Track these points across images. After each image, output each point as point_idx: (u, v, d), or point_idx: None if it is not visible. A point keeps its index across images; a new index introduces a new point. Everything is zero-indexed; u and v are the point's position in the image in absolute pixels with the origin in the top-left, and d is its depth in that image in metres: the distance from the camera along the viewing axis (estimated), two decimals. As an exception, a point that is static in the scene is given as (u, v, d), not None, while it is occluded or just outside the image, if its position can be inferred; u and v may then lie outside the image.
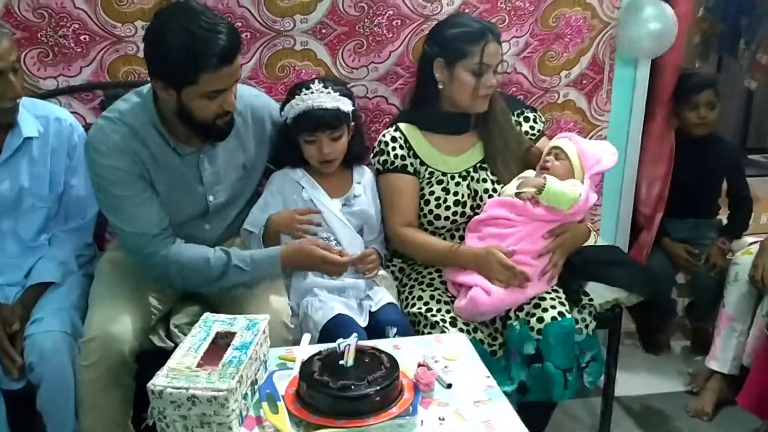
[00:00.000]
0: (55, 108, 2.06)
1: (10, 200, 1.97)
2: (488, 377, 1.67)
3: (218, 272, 1.94)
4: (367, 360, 1.55)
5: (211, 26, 1.75)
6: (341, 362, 1.53)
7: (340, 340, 1.56)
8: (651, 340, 3.03)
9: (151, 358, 2.00)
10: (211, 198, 2.03)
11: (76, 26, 2.25)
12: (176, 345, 2.01)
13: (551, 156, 2.16)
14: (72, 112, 2.25)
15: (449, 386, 1.60)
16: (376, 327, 1.98)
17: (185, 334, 2.02)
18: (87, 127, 2.26)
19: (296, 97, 2.04)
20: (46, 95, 2.27)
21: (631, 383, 2.74)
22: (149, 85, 1.91)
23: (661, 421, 2.60)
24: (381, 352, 1.58)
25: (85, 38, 2.27)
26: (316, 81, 2.07)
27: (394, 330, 1.94)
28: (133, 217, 1.90)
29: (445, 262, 2.16)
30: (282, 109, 2.10)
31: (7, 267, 2.02)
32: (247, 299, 1.96)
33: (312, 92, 2.03)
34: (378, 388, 1.46)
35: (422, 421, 1.49)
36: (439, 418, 1.50)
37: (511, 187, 2.15)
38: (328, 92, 2.03)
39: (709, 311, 2.86)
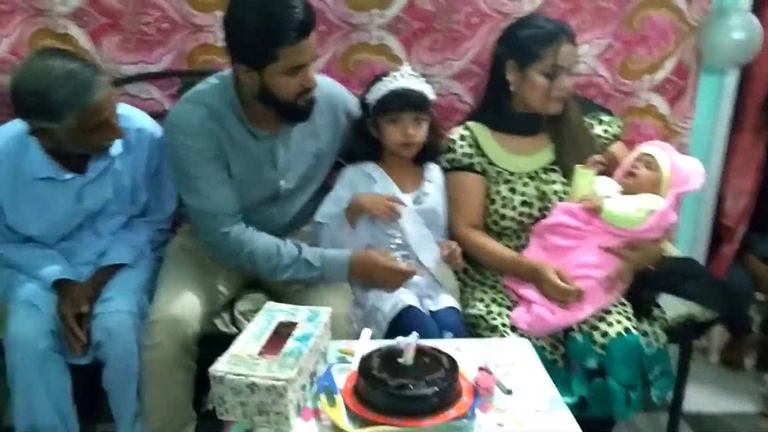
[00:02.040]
0: (136, 117, 2.08)
1: (95, 210, 2.04)
2: (551, 386, 1.63)
3: (287, 263, 1.96)
4: (426, 360, 1.53)
5: (286, 1, 1.79)
6: (400, 360, 1.52)
7: (399, 338, 1.54)
8: (725, 356, 2.91)
9: (215, 342, 2.03)
10: (282, 182, 2.05)
11: (158, 14, 2.30)
12: (240, 331, 2.05)
13: (642, 162, 2.09)
14: (149, 99, 2.32)
15: (509, 392, 1.57)
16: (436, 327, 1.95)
17: (249, 321, 2.05)
18: (164, 113, 2.33)
19: (383, 79, 2.05)
20: (126, 81, 2.33)
21: (699, 400, 2.63)
22: (227, 72, 1.95)
23: (729, 441, 2.50)
24: (441, 353, 1.56)
25: (165, 26, 2.32)
26: (405, 64, 2.09)
27: (451, 335, 1.92)
28: (209, 197, 1.93)
29: (505, 270, 2.13)
30: (364, 97, 2.10)
31: (83, 250, 2.08)
32: (311, 291, 1.97)
33: (401, 74, 2.04)
34: (436, 389, 1.44)
35: (480, 426, 1.46)
36: (498, 424, 1.47)
37: (578, 193, 2.09)
38: (415, 75, 2.05)
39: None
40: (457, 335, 1.91)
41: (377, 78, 2.09)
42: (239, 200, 1.98)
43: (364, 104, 2.11)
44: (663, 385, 2.09)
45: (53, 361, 1.89)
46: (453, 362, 1.53)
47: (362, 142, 2.11)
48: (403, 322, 1.94)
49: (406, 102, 2.02)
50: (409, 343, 1.52)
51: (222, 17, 1.87)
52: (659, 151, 2.11)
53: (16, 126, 1.96)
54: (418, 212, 2.10)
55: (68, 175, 1.97)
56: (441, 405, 1.44)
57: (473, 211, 2.16)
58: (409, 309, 1.97)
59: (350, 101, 2.17)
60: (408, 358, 1.51)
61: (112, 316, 1.91)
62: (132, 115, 2.07)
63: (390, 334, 1.93)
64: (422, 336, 1.60)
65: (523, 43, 2.10)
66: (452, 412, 1.45)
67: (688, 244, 2.81)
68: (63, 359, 1.92)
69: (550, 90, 2.09)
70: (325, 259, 1.98)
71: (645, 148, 2.14)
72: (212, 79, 2.00)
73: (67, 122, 1.81)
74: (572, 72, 2.12)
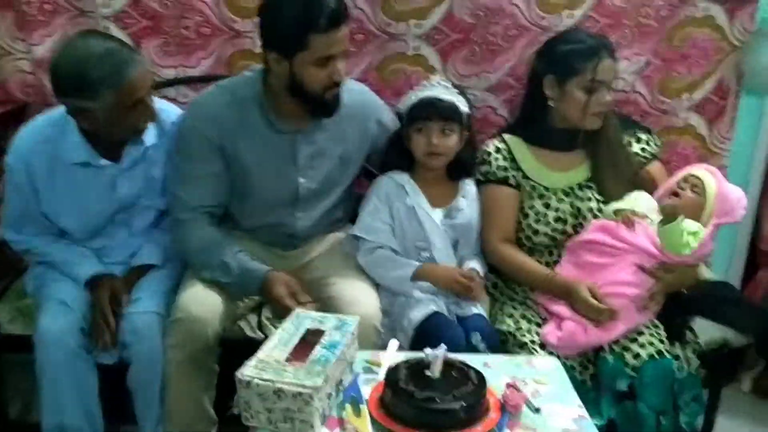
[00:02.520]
0: (171, 110, 2.11)
1: (128, 201, 2.05)
2: (580, 407, 1.60)
3: (214, 263, 1.96)
4: (454, 373, 1.52)
5: None
6: (428, 373, 1.50)
7: (427, 350, 1.52)
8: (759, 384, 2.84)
9: (240, 346, 2.03)
10: (302, 180, 2.05)
11: (199, 18, 2.32)
12: (266, 337, 2.05)
13: (688, 184, 2.05)
14: (187, 102, 2.31)
15: (537, 411, 1.55)
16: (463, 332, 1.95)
17: (276, 328, 2.05)
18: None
19: (414, 89, 2.06)
20: (165, 84, 2.35)
21: (730, 429, 2.56)
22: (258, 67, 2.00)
23: (761, 473, 2.43)
24: (469, 367, 1.54)
25: (206, 31, 2.34)
26: (437, 75, 2.11)
27: (479, 336, 1.91)
28: (187, 185, 1.98)
29: (536, 286, 2.10)
30: (399, 108, 2.11)
31: (115, 249, 2.09)
32: (338, 300, 1.96)
33: (432, 84, 2.05)
34: (464, 403, 1.43)
35: (507, 444, 1.44)
36: (525, 443, 1.45)
37: (611, 210, 2.06)
38: (446, 86, 2.04)
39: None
40: (484, 338, 1.90)
41: (412, 89, 2.10)
42: (216, 200, 2.01)
43: (399, 115, 2.11)
44: (693, 412, 2.04)
45: (82, 360, 1.90)
46: (481, 377, 1.51)
47: (396, 152, 2.10)
48: (430, 328, 1.94)
49: (432, 111, 2.01)
50: (438, 355, 1.50)
51: (259, 4, 1.91)
52: (708, 176, 2.07)
53: (56, 113, 1.98)
54: (449, 227, 2.09)
55: (103, 162, 1.98)
56: (468, 420, 1.43)
57: (506, 225, 2.14)
58: (435, 315, 1.96)
59: (384, 110, 2.18)
60: (435, 371, 1.50)
61: (140, 317, 1.92)
62: (167, 109, 2.10)
63: (416, 340, 1.93)
64: (449, 342, 1.59)
65: (563, 58, 2.08)
66: (479, 428, 1.43)
67: (724, 268, 2.76)
68: (91, 358, 1.93)
69: (589, 105, 2.07)
70: (242, 270, 1.96)
71: (694, 170, 2.10)
72: (247, 72, 2.07)
73: (104, 100, 1.83)
74: (612, 87, 2.09)
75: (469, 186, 2.15)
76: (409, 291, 2.01)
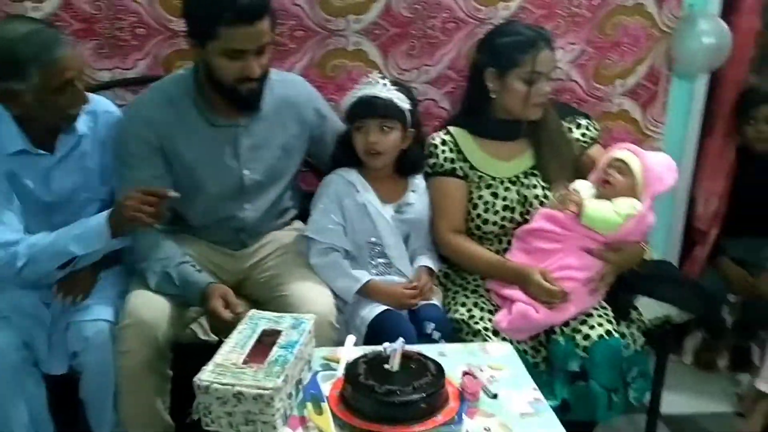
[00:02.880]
0: (102, 101, 2.08)
1: (65, 197, 1.99)
2: (535, 389, 1.64)
3: (151, 267, 1.94)
4: (413, 366, 1.54)
5: None
6: (387, 366, 1.52)
7: (386, 344, 1.54)
8: (699, 357, 2.96)
9: (193, 349, 2.02)
10: (246, 173, 2.04)
11: (133, 19, 2.27)
12: (220, 339, 2.03)
13: (614, 169, 2.11)
14: (125, 105, 2.25)
15: (495, 396, 1.58)
16: (416, 324, 1.97)
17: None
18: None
19: (356, 87, 2.06)
20: (101, 87, 2.29)
21: (675, 401, 2.66)
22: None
23: (706, 441, 2.53)
24: (427, 358, 1.56)
25: (141, 31, 2.29)
26: (376, 73, 2.11)
27: (432, 326, 1.94)
28: (127, 188, 1.91)
29: (489, 274, 2.14)
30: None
31: None
32: (292, 298, 1.95)
33: (371, 82, 2.04)
34: (424, 394, 1.44)
35: (467, 431, 1.46)
36: (485, 429, 1.47)
37: (556, 200, 2.11)
38: (384, 84, 2.04)
39: (758, 331, 2.79)
40: (439, 326, 1.93)
41: (355, 84, 2.10)
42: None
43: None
44: (640, 387, 2.12)
45: (27, 374, 1.86)
46: (439, 367, 1.53)
47: (344, 150, 2.10)
48: (382, 325, 1.95)
49: (370, 109, 2.01)
50: (396, 348, 1.51)
51: None
52: (630, 155, 2.13)
53: None
54: (400, 222, 2.10)
55: (40, 151, 1.93)
56: (429, 411, 1.44)
57: (456, 216, 2.16)
58: (387, 312, 1.98)
59: (319, 99, 2.20)
60: (395, 364, 1.51)
61: (90, 326, 1.88)
62: (99, 99, 2.07)
63: (369, 336, 1.94)
64: (401, 338, 1.59)
65: (503, 51, 2.12)
66: (440, 418, 1.45)
67: (662, 247, 2.85)
68: (38, 371, 1.88)
69: (529, 96, 2.10)
70: (183, 282, 1.93)
71: (616, 153, 2.16)
72: (181, 70, 2.07)
73: (32, 80, 1.79)
74: (551, 78, 2.14)
75: (418, 180, 2.17)
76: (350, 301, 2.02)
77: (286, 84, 2.10)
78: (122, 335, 1.85)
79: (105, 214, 1.88)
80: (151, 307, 1.88)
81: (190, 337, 2.02)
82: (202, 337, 2.03)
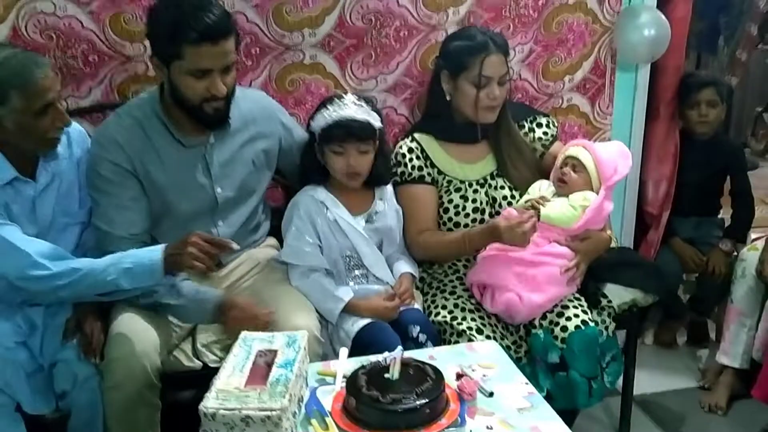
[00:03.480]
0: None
1: (46, 224, 1.94)
2: (526, 384, 1.69)
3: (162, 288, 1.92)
4: (411, 372, 1.57)
5: (202, 4, 1.84)
6: (386, 375, 1.54)
7: (386, 354, 1.56)
8: (659, 337, 3.08)
9: (178, 377, 2.01)
10: (219, 190, 2.04)
11: (85, 47, 2.23)
12: (204, 364, 2.02)
13: (569, 168, 2.18)
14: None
15: (491, 395, 1.62)
16: (400, 330, 2.00)
17: (213, 353, 2.02)
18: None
19: (328, 108, 2.03)
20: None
21: (641, 381, 2.75)
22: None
23: (677, 418, 2.63)
24: (425, 363, 1.59)
25: (93, 58, 2.25)
26: (349, 94, 2.09)
27: (418, 328, 1.98)
28: (112, 218, 1.93)
29: (464, 251, 2.17)
30: (309, 121, 2.10)
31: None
32: (276, 315, 1.94)
33: (345, 104, 2.03)
34: (427, 400, 1.47)
35: (471, 431, 1.50)
36: (487, 427, 1.51)
37: (522, 204, 2.18)
38: (360, 105, 2.04)
39: (713, 306, 2.93)
40: (423, 328, 1.97)
41: (322, 104, 2.07)
42: (142, 225, 1.96)
43: (309, 130, 2.11)
44: (614, 371, 2.20)
45: (10, 420, 1.81)
46: (437, 372, 1.56)
47: (311, 167, 2.10)
48: (366, 336, 1.98)
49: (349, 132, 2.01)
50: (396, 357, 1.54)
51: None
52: (581, 151, 2.21)
53: None
54: (372, 231, 2.12)
55: (25, 179, 1.89)
56: (433, 415, 1.48)
57: (427, 220, 2.20)
58: (370, 324, 2.00)
59: (284, 113, 2.22)
60: (395, 373, 1.53)
61: (77, 365, 1.85)
62: None
63: (353, 350, 1.95)
64: (386, 347, 1.65)
65: (454, 54, 2.18)
66: (444, 421, 1.48)
67: (617, 233, 2.96)
68: (19, 416, 1.83)
69: (478, 100, 2.15)
70: (194, 292, 1.95)
71: (568, 151, 2.24)
72: (144, 94, 2.06)
73: (12, 104, 1.76)
74: (504, 82, 2.19)
75: (385, 189, 2.19)
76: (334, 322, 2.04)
77: (250, 99, 2.11)
78: (109, 370, 1.82)
79: (159, 251, 1.80)
80: (137, 338, 1.84)
81: (175, 365, 2.00)
82: (187, 363, 2.01)
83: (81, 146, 2.02)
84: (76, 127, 2.03)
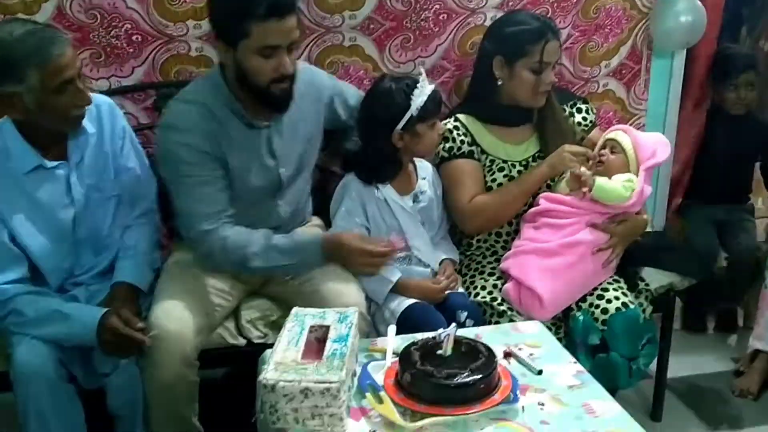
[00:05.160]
0: (94, 95, 2.01)
1: (82, 203, 1.96)
2: (574, 362, 1.71)
3: (256, 250, 1.93)
4: (463, 349, 1.58)
5: None
6: (439, 352, 1.56)
7: (440, 330, 1.58)
8: (687, 321, 3.09)
9: (223, 354, 2.04)
10: (283, 170, 2.05)
11: (128, 26, 2.25)
12: (249, 341, 2.05)
13: (607, 149, 2.19)
14: (125, 113, 2.24)
15: (540, 372, 1.64)
16: (445, 313, 2.01)
17: (258, 330, 2.05)
18: (139, 128, 2.29)
19: (416, 88, 2.00)
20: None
21: (672, 365, 2.77)
22: (213, 69, 2.00)
23: (709, 401, 2.65)
24: (476, 341, 1.61)
25: (137, 38, 2.26)
26: (417, 70, 2.11)
27: (465, 314, 1.98)
28: (196, 197, 1.92)
29: (526, 193, 2.18)
30: (388, 108, 2.04)
31: (85, 265, 2.02)
32: (323, 293, 1.97)
33: (421, 79, 2.02)
34: (481, 375, 1.49)
35: (523, 407, 1.52)
36: (539, 404, 1.54)
37: (563, 184, 2.19)
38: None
39: (744, 292, 2.93)
40: (471, 315, 1.99)
41: (396, 92, 2.02)
42: (228, 201, 1.96)
43: (380, 120, 2.05)
44: (649, 353, 2.19)
45: (64, 391, 1.83)
46: (489, 350, 1.58)
47: (384, 160, 2.08)
48: (412, 316, 1.99)
49: (439, 102, 2.07)
50: (449, 334, 1.56)
51: None
52: (620, 134, 2.21)
53: None
54: (418, 211, 2.14)
55: (53, 163, 1.90)
56: (487, 391, 1.50)
57: (478, 187, 2.20)
58: (415, 304, 2.02)
59: (331, 78, 2.21)
60: (448, 349, 1.55)
61: None
62: (96, 95, 2.03)
63: (398, 329, 1.96)
64: (432, 328, 1.66)
65: (512, 40, 2.17)
66: (497, 397, 1.50)
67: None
68: (73, 387, 1.86)
69: (537, 85, 2.16)
70: (296, 244, 1.97)
71: (608, 134, 2.24)
72: (200, 80, 2.02)
73: (30, 82, 1.75)
74: (555, 66, 2.20)
75: (425, 166, 2.20)
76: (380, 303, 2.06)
77: (301, 74, 2.03)
78: (149, 349, 1.84)
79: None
80: (176, 317, 1.87)
81: (218, 342, 2.03)
82: (231, 341, 2.04)
83: (110, 119, 2.03)
84: (105, 100, 2.04)
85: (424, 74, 2.05)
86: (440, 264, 2.16)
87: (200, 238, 1.94)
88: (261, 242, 1.94)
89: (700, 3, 2.64)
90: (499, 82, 2.21)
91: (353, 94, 2.22)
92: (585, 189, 2.09)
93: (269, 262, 1.94)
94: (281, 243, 1.96)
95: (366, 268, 1.97)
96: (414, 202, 2.14)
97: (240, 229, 1.96)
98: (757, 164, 3.01)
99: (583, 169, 2.10)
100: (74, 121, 1.89)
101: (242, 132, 1.97)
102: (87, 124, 1.96)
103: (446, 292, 2.08)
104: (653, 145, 2.20)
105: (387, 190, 2.10)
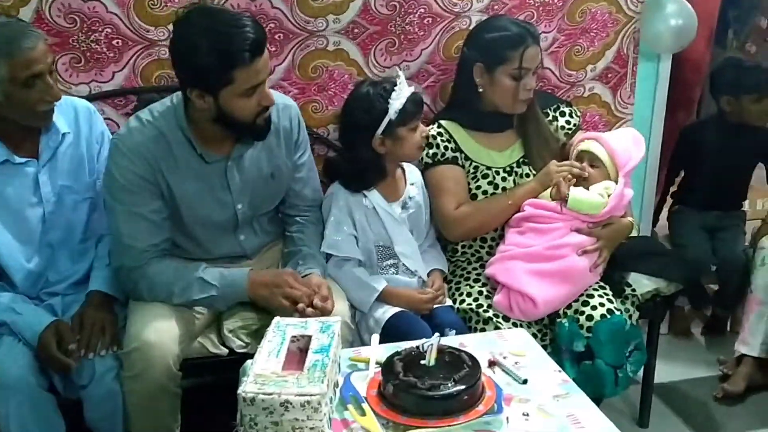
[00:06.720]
0: (73, 98, 2.04)
1: (53, 204, 1.93)
2: (559, 371, 1.69)
3: (183, 285, 1.90)
4: (447, 359, 1.56)
5: (235, 21, 1.76)
6: (423, 362, 1.54)
7: (423, 340, 1.56)
8: (674, 327, 3.08)
9: (204, 364, 2.01)
10: (239, 206, 2.00)
11: (109, 30, 2.21)
12: (231, 350, 2.02)
13: (585, 163, 2.18)
14: (105, 119, 2.21)
15: (525, 382, 1.62)
16: (433, 329, 1.96)
17: (240, 339, 2.02)
18: (120, 133, 2.25)
19: (393, 91, 2.00)
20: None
21: (659, 371, 2.76)
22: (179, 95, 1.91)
23: (696, 407, 2.64)
24: (460, 351, 1.59)
25: (117, 43, 2.23)
26: (395, 73, 2.09)
27: (453, 332, 1.95)
28: (125, 229, 1.88)
29: (514, 207, 2.17)
30: (367, 113, 2.03)
31: (59, 269, 1.99)
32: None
33: (399, 82, 2.03)
34: (465, 386, 1.47)
35: (508, 418, 1.49)
36: (524, 414, 1.51)
37: (546, 193, 2.18)
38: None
39: (738, 300, 2.90)
40: (458, 331, 1.95)
41: (372, 97, 2.03)
42: (163, 235, 1.92)
43: (360, 125, 2.04)
44: (637, 360, 2.19)
45: (45, 399, 1.80)
46: (474, 359, 1.56)
47: (367, 166, 2.06)
48: (396, 325, 1.97)
49: (420, 104, 2.07)
50: (432, 344, 1.54)
51: (169, 41, 1.84)
52: (594, 144, 2.21)
53: None
54: (406, 218, 2.12)
55: (22, 159, 1.88)
56: (471, 402, 1.48)
57: (463, 194, 2.19)
58: (401, 313, 2.00)
59: (303, 126, 2.13)
60: (431, 359, 1.53)
61: (98, 361, 1.84)
62: (74, 98, 2.05)
63: (382, 338, 1.94)
64: (417, 337, 1.65)
65: (490, 47, 2.15)
66: (481, 408, 1.48)
67: (637, 221, 2.95)
68: (53, 398, 1.83)
69: (517, 92, 2.14)
70: (223, 278, 1.92)
71: (581, 145, 2.24)
72: (167, 100, 1.94)
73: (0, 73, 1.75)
74: (536, 71, 2.19)
75: (413, 172, 2.19)
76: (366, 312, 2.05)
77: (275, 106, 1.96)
78: (128, 360, 1.81)
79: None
80: (155, 327, 1.83)
81: (200, 352, 2.00)
82: (212, 350, 2.01)
83: (88, 122, 2.02)
84: (84, 104, 2.03)
85: (402, 77, 2.04)
86: (428, 274, 2.13)
87: (125, 274, 1.92)
88: (188, 277, 1.90)
89: (690, 7, 2.63)
90: (480, 89, 2.19)
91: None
92: (557, 196, 2.09)
93: (192, 295, 1.91)
94: (208, 277, 1.91)
95: (281, 309, 1.87)
96: (403, 208, 2.12)
97: (169, 263, 1.92)
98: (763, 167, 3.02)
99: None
100: (42, 116, 1.88)
101: (193, 163, 1.91)
102: (62, 123, 1.94)
103: (434, 306, 2.06)
104: (627, 148, 2.20)
105: (375, 197, 2.08)
